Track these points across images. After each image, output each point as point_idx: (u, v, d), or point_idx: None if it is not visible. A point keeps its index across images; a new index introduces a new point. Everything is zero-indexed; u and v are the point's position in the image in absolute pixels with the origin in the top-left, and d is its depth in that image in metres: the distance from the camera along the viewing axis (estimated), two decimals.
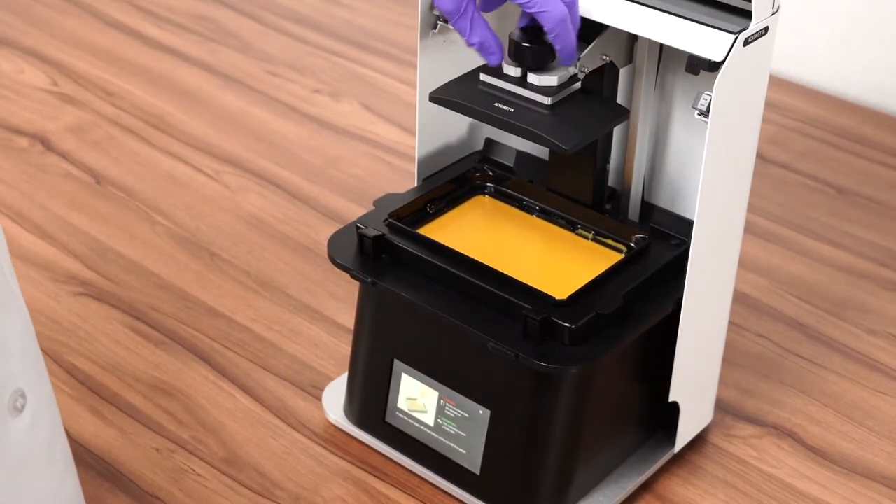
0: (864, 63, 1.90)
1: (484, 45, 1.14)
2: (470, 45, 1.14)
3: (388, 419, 1.27)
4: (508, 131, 1.15)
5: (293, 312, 1.48)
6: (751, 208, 1.48)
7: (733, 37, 1.06)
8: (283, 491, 1.26)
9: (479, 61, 1.24)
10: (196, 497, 1.25)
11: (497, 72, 1.16)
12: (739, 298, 1.47)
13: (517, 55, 1.14)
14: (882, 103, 1.89)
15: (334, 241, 1.24)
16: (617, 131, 1.23)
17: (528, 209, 1.28)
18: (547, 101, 1.13)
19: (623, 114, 1.18)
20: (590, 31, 1.15)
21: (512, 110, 1.14)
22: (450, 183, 1.29)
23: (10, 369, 0.96)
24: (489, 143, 1.34)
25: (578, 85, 1.15)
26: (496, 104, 1.14)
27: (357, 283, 1.26)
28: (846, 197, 1.70)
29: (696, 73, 1.10)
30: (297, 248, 1.58)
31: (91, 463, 1.28)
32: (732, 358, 1.41)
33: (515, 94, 1.15)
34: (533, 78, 1.14)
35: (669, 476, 1.28)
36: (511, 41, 1.14)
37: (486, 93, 1.16)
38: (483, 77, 1.17)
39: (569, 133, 1.12)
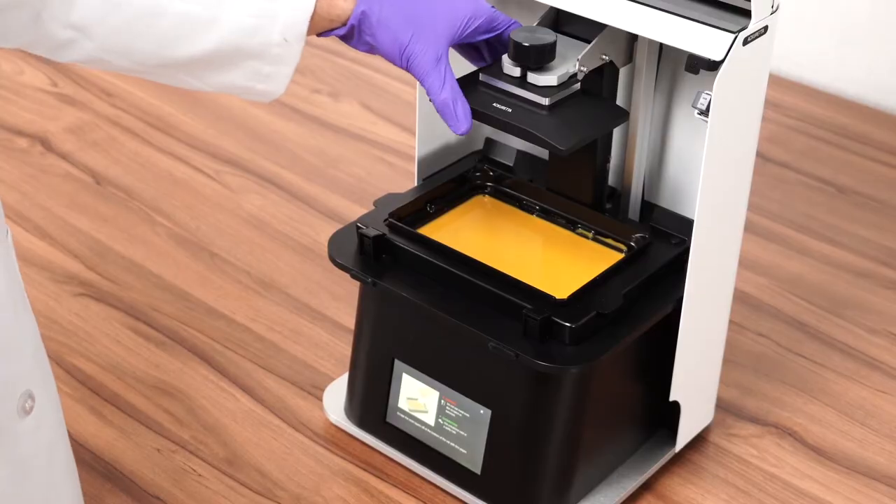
0: (865, 62, 1.90)
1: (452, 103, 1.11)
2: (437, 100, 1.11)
3: (388, 419, 1.27)
4: (506, 131, 1.14)
5: (294, 313, 1.48)
6: (751, 207, 1.48)
7: (733, 36, 1.06)
8: (283, 491, 1.26)
9: None
10: (197, 497, 1.25)
11: (496, 71, 1.16)
12: (740, 297, 1.47)
13: (517, 55, 1.14)
14: (882, 102, 1.89)
15: (334, 241, 1.24)
16: (617, 131, 1.23)
17: (528, 209, 1.28)
18: (545, 101, 1.13)
19: (622, 115, 1.18)
20: (589, 30, 1.15)
21: (510, 110, 1.13)
22: (450, 183, 1.29)
23: (22, 370, 0.96)
24: (489, 142, 1.34)
25: (578, 86, 1.15)
26: (494, 104, 1.14)
27: (357, 283, 1.26)
28: (846, 196, 1.70)
29: (696, 73, 1.10)
30: (297, 248, 1.58)
31: (91, 463, 1.28)
32: (733, 357, 1.41)
33: (514, 95, 1.15)
34: (532, 77, 1.14)
35: (670, 475, 1.28)
36: (511, 41, 1.13)
37: (485, 93, 1.16)
38: (482, 77, 1.17)
39: (566, 134, 1.12)
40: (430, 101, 1.12)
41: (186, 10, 1.04)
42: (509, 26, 1.14)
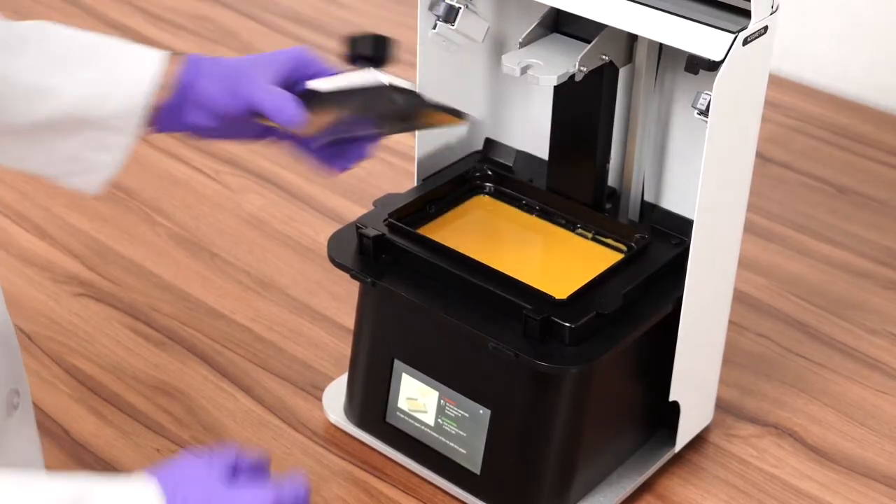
0: (865, 62, 1.90)
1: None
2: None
3: (388, 419, 1.27)
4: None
5: (293, 313, 1.48)
6: (751, 207, 1.48)
7: (732, 36, 1.06)
8: None
9: (478, 61, 1.24)
10: None
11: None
12: (739, 298, 1.47)
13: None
14: (882, 102, 1.89)
15: (334, 241, 1.24)
16: (617, 131, 1.23)
17: (528, 209, 1.28)
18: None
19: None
20: (589, 30, 1.15)
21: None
22: (449, 183, 1.29)
23: (10, 368, 0.97)
24: (489, 142, 1.34)
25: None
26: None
27: (357, 283, 1.26)
28: (846, 196, 1.70)
29: (696, 73, 1.10)
30: (297, 248, 1.58)
31: (91, 463, 1.28)
32: (733, 357, 1.41)
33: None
34: (533, 71, 1.13)
35: (670, 476, 1.28)
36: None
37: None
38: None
39: None
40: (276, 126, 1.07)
41: (25, 77, 1.01)
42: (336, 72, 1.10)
